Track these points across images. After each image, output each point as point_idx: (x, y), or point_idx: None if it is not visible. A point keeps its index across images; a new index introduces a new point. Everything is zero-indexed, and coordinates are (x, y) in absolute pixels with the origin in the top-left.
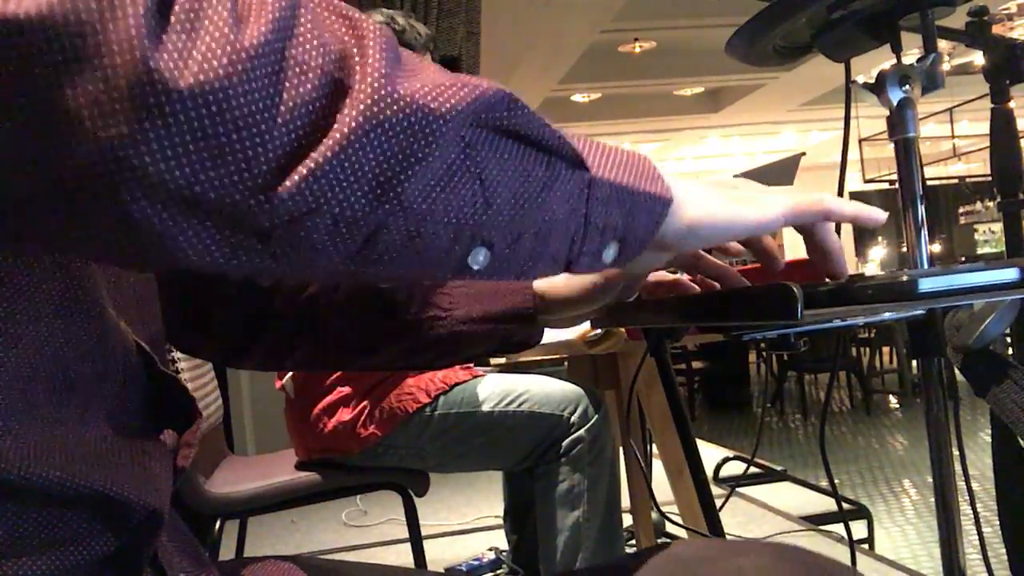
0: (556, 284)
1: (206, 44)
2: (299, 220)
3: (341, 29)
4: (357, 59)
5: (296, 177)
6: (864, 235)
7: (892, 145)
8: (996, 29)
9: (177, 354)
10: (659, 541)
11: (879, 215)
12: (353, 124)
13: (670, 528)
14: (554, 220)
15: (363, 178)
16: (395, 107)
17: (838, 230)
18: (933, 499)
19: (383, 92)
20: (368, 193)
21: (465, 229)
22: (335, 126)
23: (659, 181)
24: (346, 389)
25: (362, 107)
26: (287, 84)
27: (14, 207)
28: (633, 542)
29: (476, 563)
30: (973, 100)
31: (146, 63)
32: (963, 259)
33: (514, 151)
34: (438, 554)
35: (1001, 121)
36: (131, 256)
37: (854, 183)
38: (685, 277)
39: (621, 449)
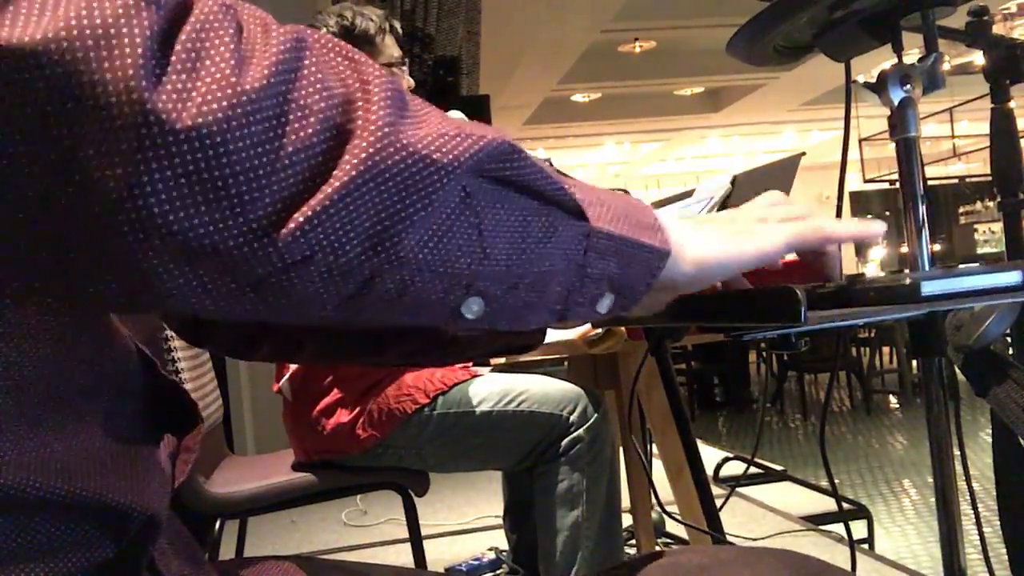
0: None
1: (206, 85)
2: (292, 267)
3: (346, 73)
4: (361, 105)
5: (292, 224)
6: None
7: (892, 145)
8: (996, 29)
9: (177, 354)
10: (659, 541)
11: (877, 229)
12: (353, 172)
13: (670, 527)
14: (551, 271)
15: (360, 228)
16: (397, 156)
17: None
18: (933, 499)
19: (386, 141)
20: (364, 242)
21: (460, 279)
22: (335, 173)
23: (658, 232)
24: (344, 390)
25: (364, 155)
26: (287, 128)
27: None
28: (633, 542)
29: (476, 563)
30: (973, 100)
31: (143, 103)
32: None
33: (514, 202)
34: (438, 554)
35: (1001, 121)
36: (119, 298)
37: (854, 183)
38: None
39: (621, 449)
